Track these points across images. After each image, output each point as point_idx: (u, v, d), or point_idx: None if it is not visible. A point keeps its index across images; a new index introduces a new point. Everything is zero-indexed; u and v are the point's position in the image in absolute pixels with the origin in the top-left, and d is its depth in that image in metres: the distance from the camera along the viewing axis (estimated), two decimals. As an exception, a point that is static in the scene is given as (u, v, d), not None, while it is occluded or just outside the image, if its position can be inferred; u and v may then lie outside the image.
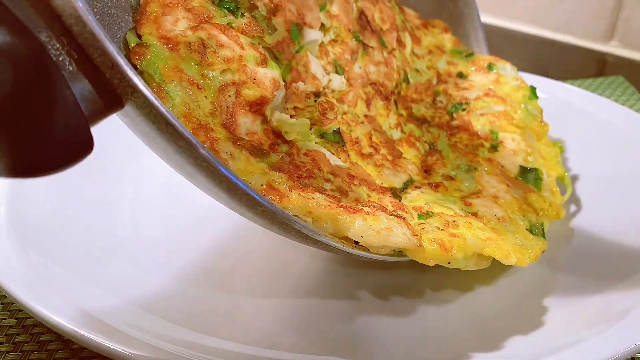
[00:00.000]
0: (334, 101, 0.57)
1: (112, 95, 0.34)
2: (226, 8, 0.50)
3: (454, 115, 0.65)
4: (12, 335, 0.51)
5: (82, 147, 0.32)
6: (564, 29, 1.19)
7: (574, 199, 0.64)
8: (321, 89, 0.56)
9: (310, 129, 0.52)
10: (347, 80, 0.60)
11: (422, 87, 0.70)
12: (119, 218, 0.61)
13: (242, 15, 0.51)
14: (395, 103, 0.66)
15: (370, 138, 0.58)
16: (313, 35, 0.57)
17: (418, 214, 0.50)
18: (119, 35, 0.45)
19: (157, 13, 0.47)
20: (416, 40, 0.74)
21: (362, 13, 0.65)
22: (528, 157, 0.60)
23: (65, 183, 0.62)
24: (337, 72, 0.60)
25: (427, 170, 0.59)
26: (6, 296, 0.54)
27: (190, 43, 0.46)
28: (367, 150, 0.57)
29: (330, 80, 0.58)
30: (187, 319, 0.49)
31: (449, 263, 0.46)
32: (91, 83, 0.33)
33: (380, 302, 0.52)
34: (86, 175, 0.64)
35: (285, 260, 0.57)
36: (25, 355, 0.49)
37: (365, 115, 0.61)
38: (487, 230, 0.49)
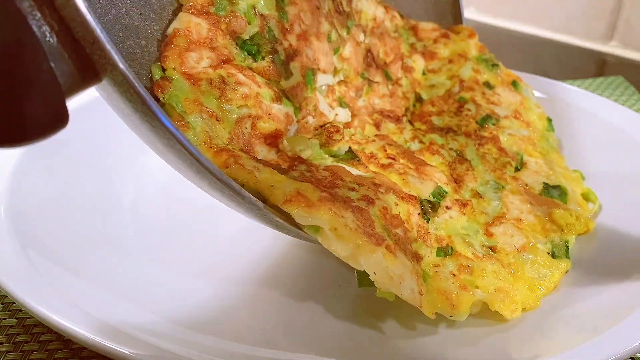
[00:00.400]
0: (340, 125, 0.58)
1: (91, 69, 0.33)
2: (247, 51, 0.52)
3: (484, 125, 0.65)
4: (12, 335, 0.51)
5: (56, 120, 0.31)
6: (563, 29, 1.19)
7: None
8: (328, 122, 0.58)
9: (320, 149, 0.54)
10: (351, 112, 0.62)
11: (440, 99, 0.70)
12: (120, 217, 0.61)
13: (262, 58, 0.53)
14: (410, 122, 0.66)
15: (385, 151, 0.58)
16: (325, 79, 0.59)
17: (438, 248, 0.50)
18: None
19: (182, 48, 0.48)
20: (431, 55, 0.74)
21: (368, 51, 0.66)
22: (551, 177, 0.61)
23: (66, 182, 0.62)
24: (341, 106, 0.61)
25: (457, 181, 0.59)
26: (6, 296, 0.54)
27: (211, 79, 0.47)
28: (386, 161, 0.56)
29: (336, 114, 0.59)
30: (187, 318, 0.49)
31: (451, 317, 0.46)
32: (70, 56, 0.32)
33: (383, 302, 0.52)
34: (87, 174, 0.64)
35: (285, 259, 0.57)
36: (25, 355, 0.49)
37: (376, 135, 0.61)
38: (501, 274, 0.50)
